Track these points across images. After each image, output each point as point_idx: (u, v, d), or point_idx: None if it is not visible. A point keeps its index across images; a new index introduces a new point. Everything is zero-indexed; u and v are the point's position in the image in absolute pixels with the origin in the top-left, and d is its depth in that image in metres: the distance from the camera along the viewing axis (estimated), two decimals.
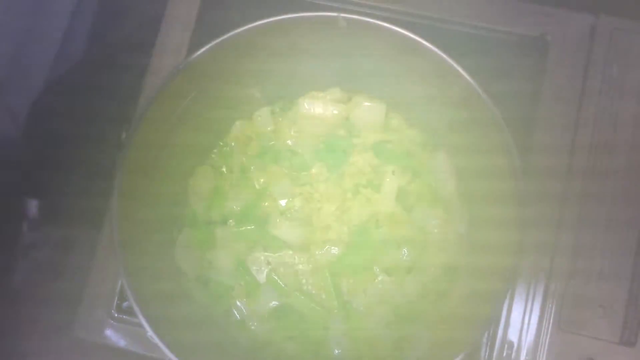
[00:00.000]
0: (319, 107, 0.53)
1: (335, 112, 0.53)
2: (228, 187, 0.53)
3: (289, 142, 0.54)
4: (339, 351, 0.49)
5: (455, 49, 0.52)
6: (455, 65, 0.43)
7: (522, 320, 0.47)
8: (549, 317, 0.47)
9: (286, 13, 0.44)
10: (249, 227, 0.51)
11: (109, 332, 0.49)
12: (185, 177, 0.53)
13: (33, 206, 0.62)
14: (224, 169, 0.54)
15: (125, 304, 0.50)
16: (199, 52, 0.44)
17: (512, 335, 0.47)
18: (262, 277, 0.51)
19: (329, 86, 0.53)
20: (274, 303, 0.51)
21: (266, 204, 0.52)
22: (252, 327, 0.50)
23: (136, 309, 0.40)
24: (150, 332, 0.40)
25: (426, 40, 0.43)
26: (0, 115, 0.74)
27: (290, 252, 0.51)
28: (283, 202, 0.52)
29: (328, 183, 0.52)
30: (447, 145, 0.51)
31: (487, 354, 0.47)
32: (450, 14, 0.53)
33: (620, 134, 0.50)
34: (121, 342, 0.49)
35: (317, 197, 0.51)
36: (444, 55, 0.43)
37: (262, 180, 0.53)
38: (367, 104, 0.53)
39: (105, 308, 0.50)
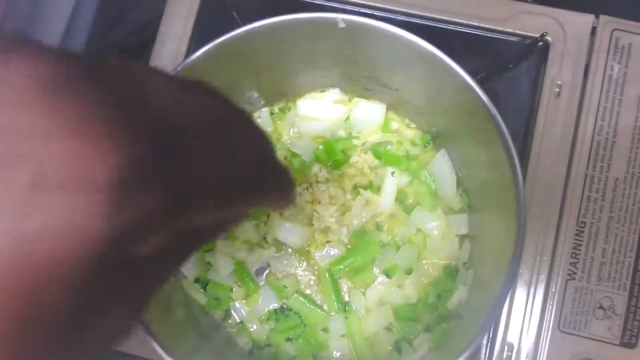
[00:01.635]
0: (318, 108, 0.53)
1: (335, 113, 0.52)
2: None
3: (289, 143, 0.53)
4: (339, 353, 0.49)
5: (455, 50, 0.52)
6: (454, 65, 0.43)
7: (522, 322, 0.47)
8: (549, 318, 0.47)
9: (286, 14, 0.44)
10: (248, 229, 0.51)
11: None
12: None
13: None
14: None
15: None
16: (197, 53, 0.44)
17: (512, 337, 0.47)
18: (261, 279, 0.51)
19: (328, 87, 0.53)
20: (273, 305, 0.50)
21: None
22: (251, 329, 0.50)
23: None
24: (147, 335, 0.40)
25: (425, 40, 0.43)
26: None
27: (290, 253, 0.51)
28: None
29: (328, 184, 0.52)
30: (446, 146, 0.51)
31: (487, 355, 0.47)
32: (449, 14, 0.53)
33: (621, 134, 0.50)
34: (118, 345, 0.49)
35: (317, 199, 0.51)
36: (443, 56, 0.43)
37: None
38: (366, 105, 0.53)
39: None
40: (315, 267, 0.51)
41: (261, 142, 0.22)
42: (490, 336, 0.47)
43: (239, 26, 0.44)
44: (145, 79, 0.17)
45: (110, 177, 0.14)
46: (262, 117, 0.54)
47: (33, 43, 0.16)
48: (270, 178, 0.21)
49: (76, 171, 0.14)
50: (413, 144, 0.53)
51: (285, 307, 0.50)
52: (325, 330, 0.50)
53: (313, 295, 0.51)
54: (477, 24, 0.53)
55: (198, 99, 0.19)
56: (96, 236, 0.14)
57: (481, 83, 0.42)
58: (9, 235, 0.13)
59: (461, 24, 0.53)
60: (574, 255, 0.48)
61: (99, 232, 0.14)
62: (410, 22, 0.53)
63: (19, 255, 0.13)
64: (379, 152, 0.52)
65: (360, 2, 0.54)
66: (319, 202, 0.51)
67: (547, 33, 0.52)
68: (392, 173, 0.51)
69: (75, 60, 0.16)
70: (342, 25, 0.44)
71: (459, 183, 0.51)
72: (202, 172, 0.17)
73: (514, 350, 0.47)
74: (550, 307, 0.47)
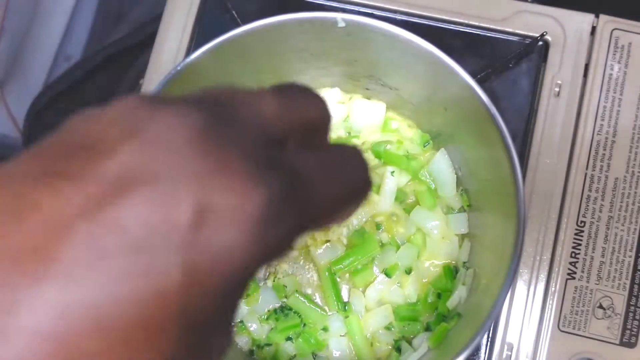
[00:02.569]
0: None
1: (335, 113, 0.53)
2: None
3: None
4: (339, 352, 0.49)
5: (455, 49, 0.52)
6: (454, 65, 0.43)
7: (522, 321, 0.47)
8: (548, 317, 0.47)
9: (286, 13, 0.44)
10: None
11: None
12: None
13: None
14: None
15: None
16: (197, 53, 0.44)
17: (512, 336, 0.47)
18: (261, 278, 0.51)
19: (328, 87, 0.53)
20: (273, 304, 0.51)
21: None
22: (251, 328, 0.50)
23: None
24: None
25: (425, 40, 0.43)
26: (0, 116, 0.74)
27: (290, 252, 0.51)
28: None
29: None
30: (446, 145, 0.51)
31: (486, 354, 0.47)
32: (449, 13, 0.53)
33: (620, 134, 0.50)
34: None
35: None
36: (443, 55, 0.43)
37: None
38: (366, 104, 0.53)
39: None
40: (315, 267, 0.51)
41: (354, 150, 0.23)
42: (490, 336, 0.47)
43: (239, 26, 0.44)
44: (260, 112, 0.19)
45: (257, 208, 0.16)
46: None
47: (172, 97, 0.18)
48: (367, 181, 0.23)
49: (231, 205, 0.16)
50: (413, 143, 0.53)
51: (285, 306, 0.50)
52: (325, 329, 0.50)
53: (313, 294, 0.51)
54: (476, 23, 0.53)
55: (305, 112, 0.21)
56: (246, 258, 0.16)
57: (481, 82, 0.42)
58: (182, 267, 0.15)
59: (461, 24, 0.53)
60: (573, 255, 0.48)
61: (249, 255, 0.17)
62: (410, 21, 0.54)
63: (189, 282, 0.16)
64: (378, 151, 0.52)
65: (360, 1, 0.54)
66: None
67: (546, 32, 0.52)
68: (392, 172, 0.51)
69: (210, 107, 0.18)
70: (341, 24, 0.44)
71: (458, 182, 0.51)
72: (324, 191, 0.19)
73: (514, 350, 0.47)
74: (549, 307, 0.47)
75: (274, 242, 0.17)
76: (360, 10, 0.54)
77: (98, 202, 0.15)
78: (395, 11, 0.54)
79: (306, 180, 0.19)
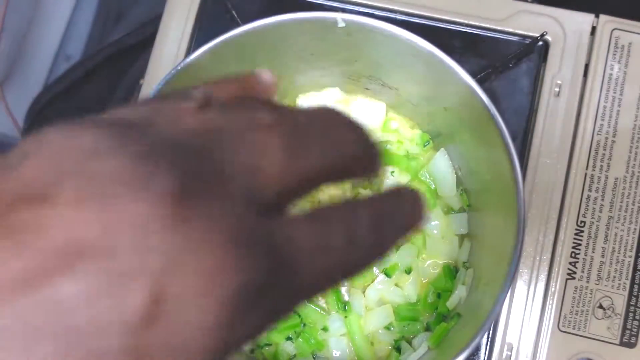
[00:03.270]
0: None
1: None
2: None
3: None
4: (339, 352, 0.49)
5: (455, 49, 0.52)
6: (454, 65, 0.43)
7: (522, 321, 0.47)
8: (548, 317, 0.47)
9: (286, 13, 0.44)
10: None
11: None
12: None
13: None
14: None
15: None
16: (197, 53, 0.44)
17: (512, 336, 0.47)
18: None
19: (328, 87, 0.53)
20: None
21: None
22: None
23: None
24: None
25: (425, 40, 0.43)
26: (0, 115, 0.74)
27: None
28: None
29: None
30: (446, 145, 0.51)
31: (486, 354, 0.47)
32: (449, 13, 0.53)
33: (620, 134, 0.50)
34: None
35: (317, 199, 0.51)
36: (443, 55, 0.43)
37: None
38: (366, 104, 0.53)
39: None
40: None
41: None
42: (490, 336, 0.47)
43: (239, 26, 0.44)
44: (256, 169, 0.16)
45: (227, 298, 0.14)
46: None
47: (159, 148, 0.15)
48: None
49: (194, 294, 0.14)
50: (413, 143, 0.53)
51: None
52: (325, 329, 0.50)
53: None
54: (476, 23, 0.53)
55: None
56: (206, 354, 0.14)
57: (481, 82, 0.42)
58: (128, 354, 0.13)
59: (461, 24, 0.53)
60: (573, 255, 0.48)
61: (210, 351, 0.14)
62: (410, 21, 0.54)
63: None
64: None
65: (360, 1, 0.54)
66: (319, 202, 0.51)
67: (546, 32, 0.52)
68: (392, 172, 0.51)
69: (189, 161, 0.15)
70: (341, 24, 0.44)
71: (458, 182, 0.51)
72: (315, 274, 0.17)
73: (514, 350, 0.47)
74: (549, 307, 0.47)
75: (244, 333, 0.15)
76: (360, 10, 0.54)
77: (37, 274, 0.13)
78: (395, 11, 0.54)
79: (295, 260, 0.16)
